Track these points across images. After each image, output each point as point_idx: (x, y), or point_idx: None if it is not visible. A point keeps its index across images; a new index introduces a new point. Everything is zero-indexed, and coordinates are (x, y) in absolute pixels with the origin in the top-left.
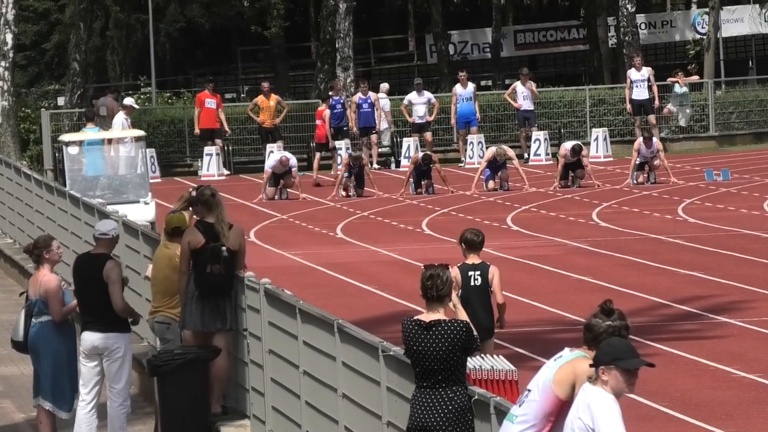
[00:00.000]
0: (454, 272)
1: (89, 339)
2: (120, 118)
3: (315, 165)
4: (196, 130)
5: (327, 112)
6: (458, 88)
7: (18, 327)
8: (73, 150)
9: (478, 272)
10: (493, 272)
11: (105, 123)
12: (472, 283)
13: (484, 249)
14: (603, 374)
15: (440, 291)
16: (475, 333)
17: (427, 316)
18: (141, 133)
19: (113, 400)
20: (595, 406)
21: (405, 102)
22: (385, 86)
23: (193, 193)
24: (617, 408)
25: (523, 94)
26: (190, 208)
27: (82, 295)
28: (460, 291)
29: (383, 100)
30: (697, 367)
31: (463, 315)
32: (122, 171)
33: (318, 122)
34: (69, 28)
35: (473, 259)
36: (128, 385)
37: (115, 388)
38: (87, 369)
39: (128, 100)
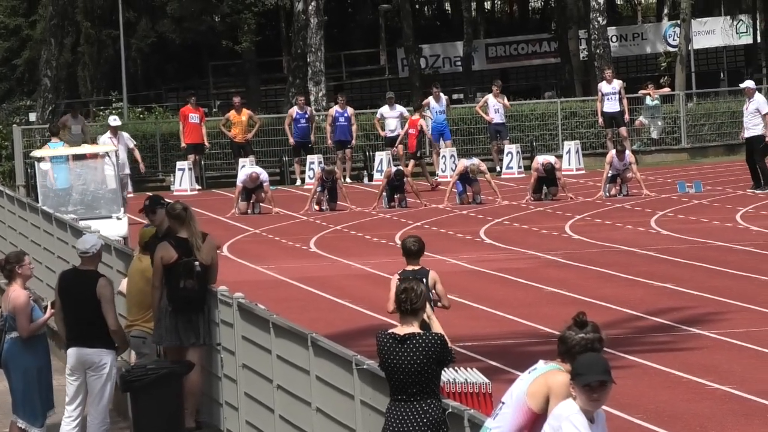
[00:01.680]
0: (395, 279)
1: (75, 354)
2: (105, 138)
3: (409, 171)
4: (183, 144)
5: (422, 122)
6: (431, 101)
7: None
8: (44, 166)
9: (418, 278)
10: (434, 278)
11: (74, 140)
12: None
13: (456, 262)
14: (572, 389)
15: (414, 304)
16: (450, 345)
17: (401, 329)
18: (113, 148)
19: (94, 417)
20: (559, 417)
21: (378, 116)
22: (428, 100)
23: (146, 203)
24: (580, 420)
25: (494, 108)
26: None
27: (69, 311)
28: None
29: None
30: (671, 379)
31: (437, 327)
32: (91, 186)
33: (411, 131)
34: (40, 44)
35: (413, 266)
36: (110, 402)
37: (98, 404)
38: (72, 385)
39: (112, 120)
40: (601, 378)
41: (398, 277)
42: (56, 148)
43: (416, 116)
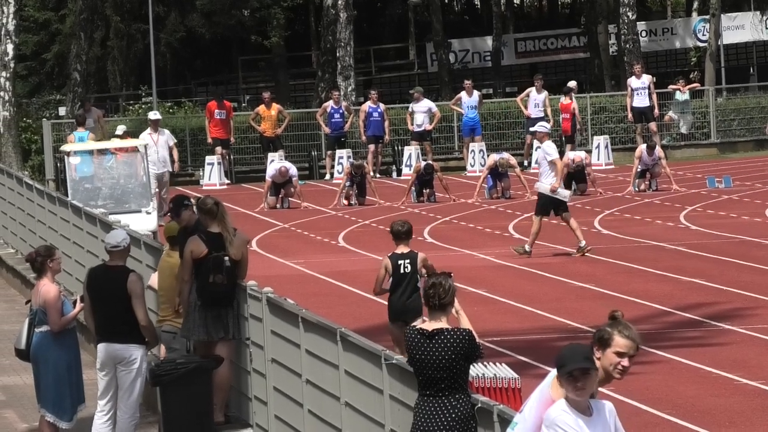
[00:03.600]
0: (385, 261)
1: (105, 350)
2: (144, 134)
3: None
4: (209, 140)
5: (574, 105)
6: (464, 95)
7: (21, 335)
8: (74, 160)
9: (407, 260)
10: (423, 259)
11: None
12: (402, 271)
13: (484, 256)
14: (560, 384)
15: (443, 299)
16: (478, 341)
17: (429, 325)
18: (143, 142)
19: (124, 411)
20: (547, 420)
21: (409, 110)
22: (572, 83)
23: (171, 205)
24: (565, 419)
25: (534, 102)
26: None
27: (99, 307)
28: (391, 278)
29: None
30: (700, 374)
31: (466, 323)
32: (121, 180)
33: (565, 116)
34: (69, 38)
35: (402, 249)
36: (140, 397)
37: (127, 399)
38: (103, 380)
39: (152, 114)
40: (581, 365)
41: (388, 258)
42: (82, 137)
43: (567, 100)
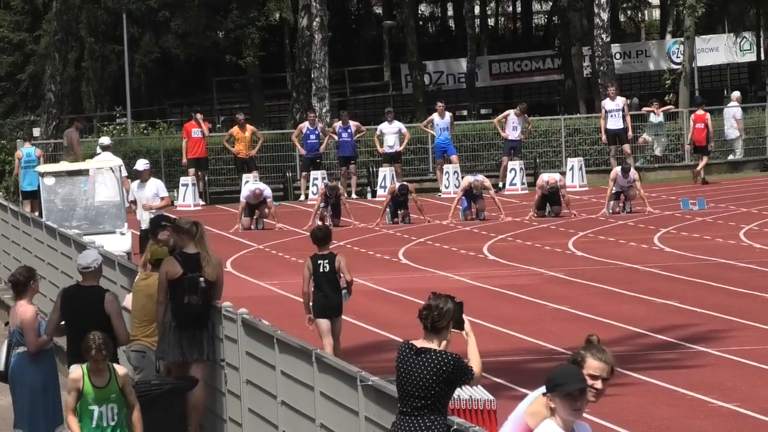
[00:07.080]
0: (307, 262)
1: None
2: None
3: (701, 166)
4: (184, 160)
5: (708, 117)
6: (436, 117)
7: (0, 357)
8: (49, 181)
9: (326, 261)
10: (339, 259)
11: (67, 154)
12: (321, 270)
13: (459, 278)
14: (550, 402)
15: (435, 323)
16: (467, 367)
17: (421, 342)
18: (118, 162)
19: None
20: None
21: (377, 132)
22: (736, 94)
23: (150, 227)
24: None
25: (512, 124)
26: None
27: (74, 327)
28: (312, 277)
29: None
30: (674, 396)
31: (472, 346)
32: (88, 201)
33: (699, 125)
34: (44, 59)
35: (322, 251)
36: None
37: None
38: None
39: (104, 140)
40: (580, 385)
41: (309, 259)
42: (29, 152)
43: (700, 111)
